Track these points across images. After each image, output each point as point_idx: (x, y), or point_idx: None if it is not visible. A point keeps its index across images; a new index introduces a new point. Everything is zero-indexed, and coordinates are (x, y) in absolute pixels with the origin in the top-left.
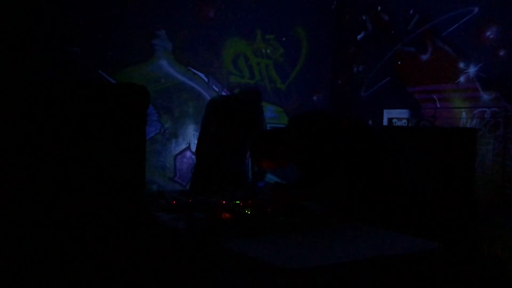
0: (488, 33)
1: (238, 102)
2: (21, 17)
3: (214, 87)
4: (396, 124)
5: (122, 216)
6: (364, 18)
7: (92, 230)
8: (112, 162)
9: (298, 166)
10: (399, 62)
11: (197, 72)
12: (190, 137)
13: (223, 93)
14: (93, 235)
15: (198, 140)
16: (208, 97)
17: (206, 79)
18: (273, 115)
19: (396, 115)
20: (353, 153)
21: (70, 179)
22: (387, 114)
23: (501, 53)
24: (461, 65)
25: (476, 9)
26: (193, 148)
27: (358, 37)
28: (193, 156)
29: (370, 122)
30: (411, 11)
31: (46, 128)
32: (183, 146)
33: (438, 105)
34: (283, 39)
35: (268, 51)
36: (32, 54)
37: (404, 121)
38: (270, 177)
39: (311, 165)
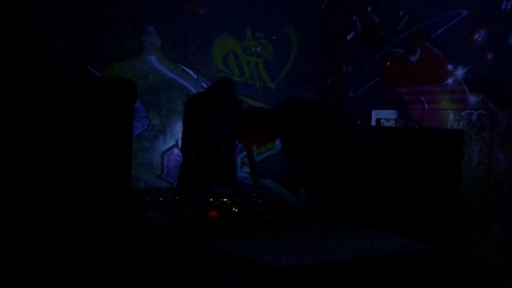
0: (476, 36)
1: (212, 95)
2: (7, 10)
3: (203, 84)
4: (384, 125)
5: (108, 213)
6: (354, 18)
7: (77, 227)
8: (98, 158)
9: (282, 149)
10: (388, 63)
11: (186, 69)
12: (178, 134)
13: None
14: (78, 231)
15: (182, 139)
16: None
17: (195, 76)
18: None
19: (384, 116)
20: (332, 147)
21: (55, 174)
22: (376, 114)
23: (489, 56)
24: (449, 67)
25: (465, 12)
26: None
27: (348, 37)
28: (181, 154)
29: (358, 122)
30: (401, 13)
31: (31, 123)
32: (171, 143)
33: (426, 107)
34: (273, 37)
35: (258, 49)
36: (18, 48)
37: (392, 122)
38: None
39: (292, 151)
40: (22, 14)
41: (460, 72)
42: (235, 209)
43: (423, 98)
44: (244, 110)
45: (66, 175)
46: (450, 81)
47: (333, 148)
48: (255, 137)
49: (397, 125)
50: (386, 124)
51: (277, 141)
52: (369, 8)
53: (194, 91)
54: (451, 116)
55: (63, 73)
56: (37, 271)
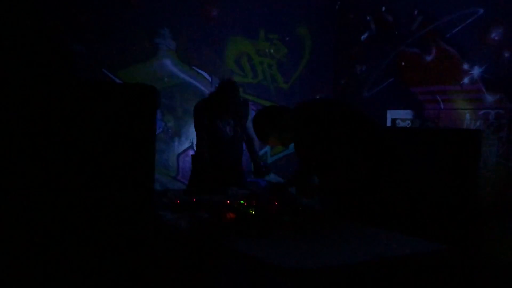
0: (493, 35)
1: (217, 98)
2: (24, 15)
3: (217, 86)
4: (400, 125)
5: (131, 217)
6: (368, 18)
7: (100, 231)
8: (122, 162)
9: (297, 153)
10: (403, 63)
11: (200, 71)
12: (193, 136)
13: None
14: (101, 235)
15: (196, 145)
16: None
17: (209, 78)
18: None
19: (399, 116)
20: (353, 148)
21: (79, 179)
22: (391, 115)
23: (506, 55)
24: (465, 66)
25: (481, 10)
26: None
27: (362, 37)
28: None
29: None
30: (415, 12)
31: (57, 128)
32: (186, 145)
33: (442, 106)
34: (287, 38)
35: (272, 50)
36: (36, 52)
37: (408, 122)
38: (273, 177)
39: (310, 156)
40: (38, 19)
41: (476, 71)
42: (252, 211)
43: (438, 98)
44: (264, 109)
45: (90, 179)
46: (466, 80)
47: (358, 150)
48: (278, 137)
49: (413, 125)
50: (402, 124)
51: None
52: (383, 8)
53: (208, 93)
54: (467, 116)
55: (86, 79)
56: (56, 273)
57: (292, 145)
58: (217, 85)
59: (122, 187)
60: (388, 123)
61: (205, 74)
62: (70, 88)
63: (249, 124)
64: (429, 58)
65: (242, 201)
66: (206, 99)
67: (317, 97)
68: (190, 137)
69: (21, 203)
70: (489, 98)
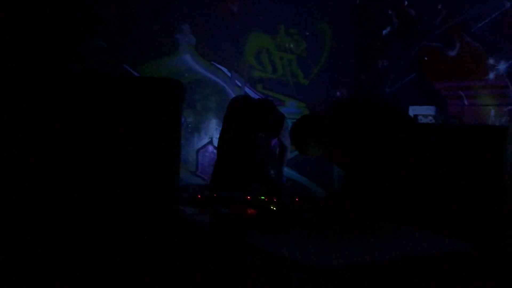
0: None
1: (254, 112)
2: (46, 11)
3: (236, 81)
4: (422, 121)
5: (156, 212)
6: (389, 12)
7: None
8: (149, 157)
9: (331, 158)
10: (426, 58)
11: (220, 66)
12: (212, 131)
13: (244, 93)
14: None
15: (220, 137)
16: (231, 92)
17: (229, 74)
18: (295, 110)
19: (422, 112)
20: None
21: (105, 173)
22: (413, 111)
23: None
24: (491, 61)
25: (508, 4)
26: (215, 143)
27: (384, 32)
28: (215, 151)
29: None
30: (439, 6)
31: (80, 121)
32: (206, 140)
33: (466, 102)
34: (307, 33)
35: (291, 45)
36: (57, 48)
37: (430, 118)
38: (287, 171)
39: (351, 156)
40: (61, 15)
41: (502, 66)
42: (273, 207)
43: (462, 94)
44: (298, 121)
45: (116, 172)
46: (491, 75)
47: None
48: (318, 145)
49: (436, 122)
50: (424, 120)
51: None
52: (406, 2)
53: (228, 88)
54: (492, 112)
55: (112, 73)
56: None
57: None
58: (256, 100)
59: (147, 181)
60: None
61: (225, 70)
62: (96, 82)
63: (286, 134)
64: (452, 53)
65: (262, 197)
66: (244, 99)
67: (338, 93)
68: (209, 132)
69: (44, 198)
70: None
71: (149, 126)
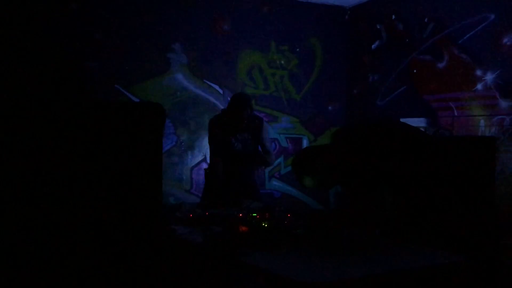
0: (505, 40)
1: (229, 112)
2: (38, 32)
3: (229, 98)
4: None
5: (140, 232)
6: (378, 27)
7: (108, 246)
8: (130, 180)
9: (342, 184)
10: (415, 71)
11: (212, 84)
12: (206, 149)
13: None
14: (109, 250)
15: (210, 159)
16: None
17: (221, 91)
18: (289, 126)
19: (413, 124)
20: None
21: (87, 196)
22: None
23: None
24: (478, 72)
25: (492, 16)
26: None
27: (373, 46)
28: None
29: None
30: (426, 19)
31: (64, 147)
32: (199, 158)
33: (456, 113)
34: (297, 49)
35: (283, 62)
36: (49, 70)
37: (422, 130)
38: (278, 185)
39: (358, 180)
40: (53, 36)
41: (490, 77)
42: (265, 224)
43: (452, 105)
44: (304, 151)
45: (98, 196)
46: (479, 86)
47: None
48: (314, 181)
49: (427, 133)
50: None
51: None
52: (393, 16)
53: (220, 106)
54: (482, 122)
55: (96, 99)
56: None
57: None
58: (229, 99)
59: (130, 205)
60: None
61: (217, 87)
62: (75, 108)
63: (267, 137)
64: (441, 65)
65: (255, 214)
66: (219, 114)
67: (330, 107)
68: (203, 150)
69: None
70: (504, 104)
71: (130, 150)
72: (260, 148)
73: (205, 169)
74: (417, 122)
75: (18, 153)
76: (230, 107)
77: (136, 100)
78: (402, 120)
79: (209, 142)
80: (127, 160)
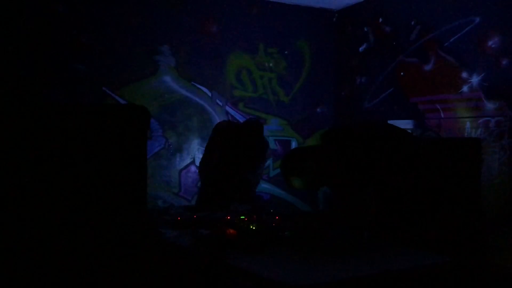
0: (490, 43)
1: (243, 130)
2: (25, 35)
3: (217, 101)
4: None
5: (125, 234)
6: (365, 30)
7: (94, 249)
8: (114, 182)
9: (330, 185)
10: (402, 73)
11: (200, 86)
12: (194, 151)
13: (228, 117)
14: (95, 254)
15: (200, 163)
16: (212, 111)
17: (209, 94)
18: (277, 128)
19: (400, 126)
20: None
21: (71, 198)
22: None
23: (504, 62)
24: (464, 74)
25: (477, 19)
26: (198, 163)
27: (360, 49)
28: (198, 170)
29: None
30: (412, 22)
31: (49, 150)
32: (188, 160)
33: (442, 115)
34: (286, 52)
35: (271, 64)
36: (36, 72)
37: (409, 131)
38: (267, 188)
39: (346, 181)
40: (40, 39)
41: (475, 79)
42: (252, 227)
43: (438, 107)
44: (292, 151)
45: (82, 198)
46: (465, 88)
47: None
48: (303, 181)
49: (414, 135)
50: None
51: None
52: (381, 19)
53: (209, 108)
54: (468, 124)
55: (81, 102)
56: None
57: None
58: (243, 123)
59: (114, 206)
60: None
61: (206, 90)
62: (60, 112)
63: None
64: (428, 67)
65: (243, 217)
66: (229, 124)
67: (318, 110)
68: (192, 152)
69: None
70: (489, 105)
71: (115, 152)
72: None
73: (199, 171)
74: (405, 124)
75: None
76: (246, 135)
77: (124, 102)
78: (389, 122)
79: (206, 148)
80: (111, 162)
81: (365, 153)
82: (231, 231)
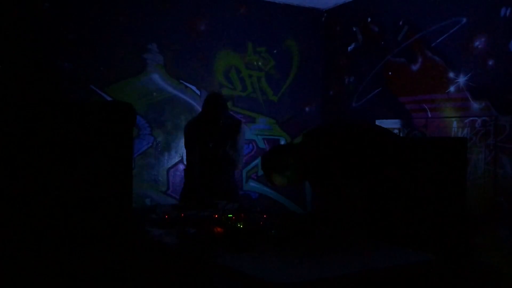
0: (476, 43)
1: (204, 114)
2: (10, 32)
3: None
4: None
5: (110, 234)
6: (354, 29)
7: (78, 248)
8: (99, 180)
9: (311, 182)
10: (390, 73)
11: (189, 85)
12: (182, 150)
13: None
14: (80, 252)
15: (186, 164)
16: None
17: (198, 92)
18: (265, 127)
19: (387, 125)
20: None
21: (55, 195)
22: (379, 124)
23: (490, 63)
24: (451, 75)
25: (464, 20)
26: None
27: (349, 48)
28: (184, 175)
29: None
30: (401, 22)
31: (33, 147)
32: (176, 159)
33: (429, 115)
34: (274, 51)
35: (260, 63)
36: (23, 70)
37: (396, 131)
38: (256, 187)
39: (325, 179)
40: (26, 37)
41: (462, 79)
42: (240, 225)
43: (426, 106)
44: (273, 149)
45: (67, 196)
46: (452, 88)
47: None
48: (283, 178)
49: (401, 134)
50: None
51: None
52: (369, 19)
53: (197, 106)
54: (454, 124)
55: (65, 99)
56: None
57: None
58: (204, 100)
59: (99, 205)
60: None
61: (194, 88)
62: (45, 109)
63: (240, 141)
64: (415, 67)
65: (230, 215)
66: (194, 117)
67: (307, 109)
68: (180, 151)
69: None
70: (475, 105)
71: (100, 150)
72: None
73: (184, 169)
74: (392, 123)
75: None
76: (205, 109)
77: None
78: (377, 121)
79: (185, 146)
80: (97, 160)
81: (349, 153)
82: (218, 229)
